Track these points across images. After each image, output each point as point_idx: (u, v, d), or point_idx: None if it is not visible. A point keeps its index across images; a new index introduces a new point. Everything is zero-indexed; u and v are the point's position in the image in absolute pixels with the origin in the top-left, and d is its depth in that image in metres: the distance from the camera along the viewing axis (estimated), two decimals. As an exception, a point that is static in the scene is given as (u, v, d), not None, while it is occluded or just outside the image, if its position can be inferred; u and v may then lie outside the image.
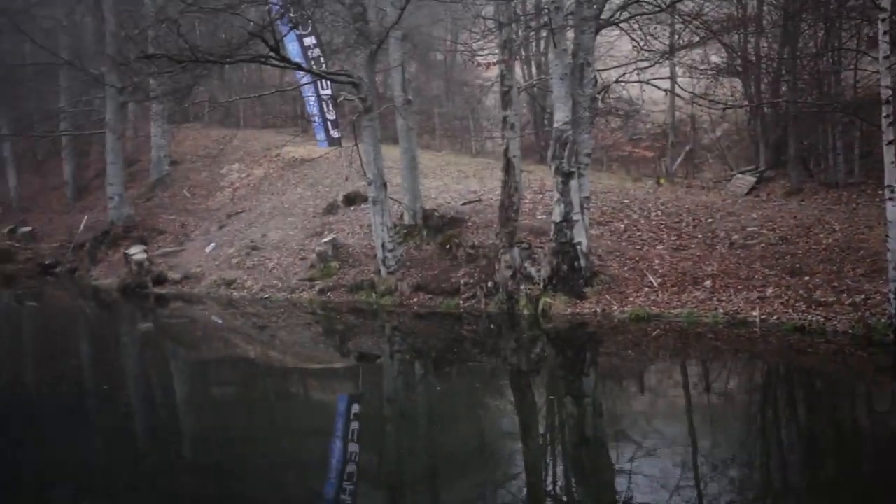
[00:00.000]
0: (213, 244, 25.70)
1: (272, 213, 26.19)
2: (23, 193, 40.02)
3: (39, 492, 9.20)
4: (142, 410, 12.78)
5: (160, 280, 24.32)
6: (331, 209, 24.76)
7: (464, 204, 22.65)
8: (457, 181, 25.40)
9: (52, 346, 18.87)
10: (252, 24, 18.13)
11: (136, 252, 25.46)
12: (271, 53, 16.47)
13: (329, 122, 29.17)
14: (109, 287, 25.53)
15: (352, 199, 24.80)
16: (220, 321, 20.66)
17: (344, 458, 10.15)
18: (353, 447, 10.66)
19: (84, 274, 28.16)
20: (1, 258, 32.54)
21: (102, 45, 31.37)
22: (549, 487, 9.23)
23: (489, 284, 18.03)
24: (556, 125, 17.17)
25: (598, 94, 21.12)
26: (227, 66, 26.25)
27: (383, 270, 20.07)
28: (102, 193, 33.12)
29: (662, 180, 26.05)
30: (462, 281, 18.69)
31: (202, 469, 10.00)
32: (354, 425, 11.69)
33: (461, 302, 18.23)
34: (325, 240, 22.45)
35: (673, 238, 18.84)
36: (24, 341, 20.08)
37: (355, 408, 12.72)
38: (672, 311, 15.74)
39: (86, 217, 32.83)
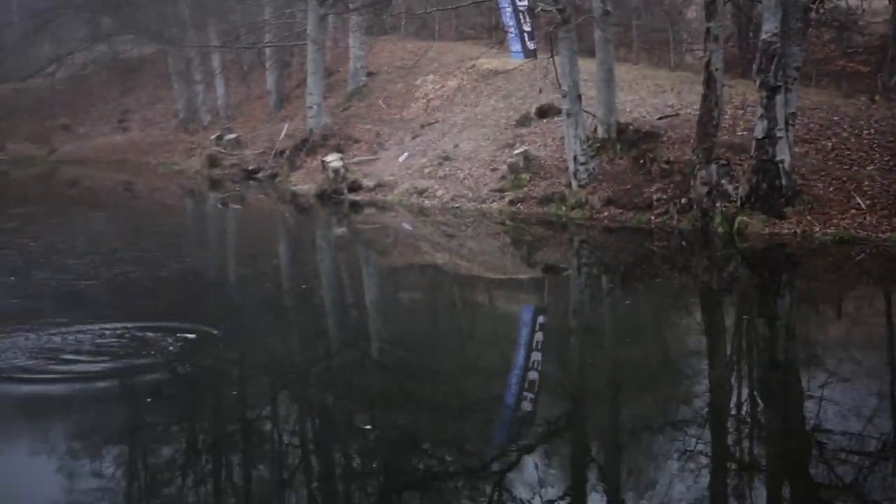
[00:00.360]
0: (406, 154, 26.06)
1: (465, 124, 26.21)
2: (229, 102, 41.85)
3: (239, 383, 9.65)
4: (334, 310, 13.18)
5: (355, 187, 24.96)
6: (523, 121, 24.52)
7: (660, 118, 21.91)
8: (653, 95, 24.55)
9: (254, 246, 19.75)
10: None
11: (333, 160, 26.16)
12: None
13: (525, 34, 28.67)
14: (307, 192, 26.46)
15: (545, 112, 24.46)
16: (410, 228, 21.03)
17: (526, 366, 10.14)
18: (536, 356, 10.63)
19: (284, 179, 29.30)
20: (209, 163, 34.37)
21: (307, -43, 32.01)
22: (734, 409, 8.89)
23: (683, 201, 17.45)
24: (763, 37, 16.24)
25: (813, 3, 19.73)
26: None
27: (574, 183, 19.79)
28: (303, 103, 34.09)
29: (878, 98, 24.26)
30: (655, 196, 18.18)
31: (388, 369, 10.22)
32: (538, 335, 11.65)
33: (652, 217, 17.76)
34: (517, 152, 22.31)
35: (886, 158, 17.54)
36: (228, 242, 21.11)
37: (540, 318, 12.67)
38: (880, 235, 14.78)
39: (286, 125, 33.96)
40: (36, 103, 51.61)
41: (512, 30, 28.94)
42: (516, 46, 29.21)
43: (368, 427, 8.22)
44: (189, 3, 41.74)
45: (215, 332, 10.80)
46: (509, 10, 28.32)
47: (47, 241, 18.90)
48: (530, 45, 28.59)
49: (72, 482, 6.98)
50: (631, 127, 21.04)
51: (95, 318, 11.73)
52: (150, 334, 10.47)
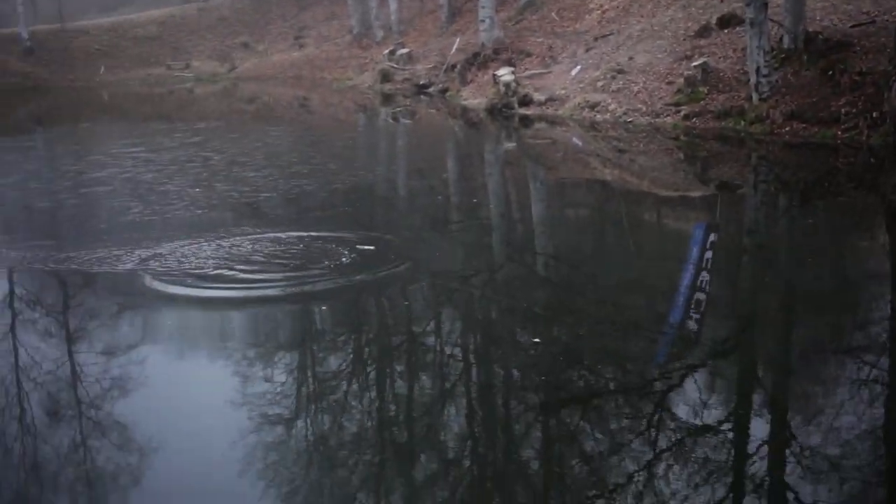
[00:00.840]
0: (578, 67, 25.37)
1: (640, 35, 25.20)
2: (402, 17, 41.87)
3: (407, 294, 9.61)
4: (501, 225, 12.96)
5: (525, 101, 24.57)
6: (703, 32, 23.31)
7: (853, 26, 20.29)
8: (846, 1, 22.82)
9: (424, 160, 19.77)
10: None
11: (504, 74, 25.79)
12: None
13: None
14: (477, 107, 26.25)
15: (726, 21, 23.14)
16: (580, 143, 20.51)
17: (693, 286, 9.66)
18: (705, 276, 10.11)
19: (454, 94, 29.18)
20: (381, 78, 34.61)
21: None
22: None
23: (874, 114, 16.14)
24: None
25: None
26: None
27: (755, 97, 18.74)
28: (474, 17, 33.70)
29: None
30: (843, 110, 16.93)
31: (553, 284, 9.98)
32: (708, 254, 11.07)
33: (839, 132, 16.57)
34: (695, 63, 21.28)
35: None
36: (399, 156, 21.21)
37: (711, 236, 12.04)
38: None
39: (458, 39, 33.73)
40: (218, 22, 53.38)
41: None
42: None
43: (531, 340, 8.03)
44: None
45: (387, 242, 10.97)
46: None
47: (228, 154, 19.58)
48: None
49: (245, 385, 7.14)
50: (820, 36, 19.60)
51: (274, 228, 12.04)
52: (329, 245, 10.60)
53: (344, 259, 10.02)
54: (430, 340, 8.28)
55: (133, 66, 49.93)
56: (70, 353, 7.92)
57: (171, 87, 44.15)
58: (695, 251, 11.26)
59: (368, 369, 7.61)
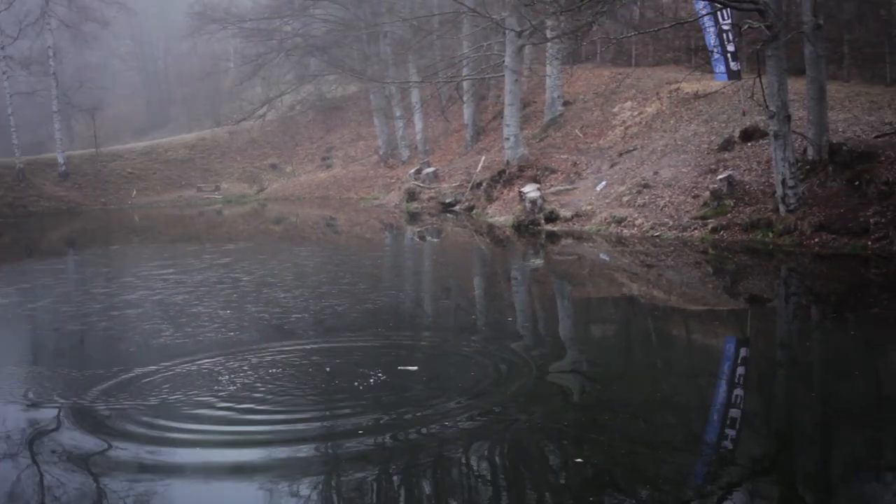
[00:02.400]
0: (603, 182, 25.56)
1: (664, 150, 25.46)
2: (427, 136, 42.64)
3: (441, 414, 9.46)
4: (530, 341, 12.81)
5: (551, 217, 24.72)
6: (726, 145, 23.54)
7: (876, 137, 20.47)
8: (868, 112, 23.04)
9: (451, 279, 19.75)
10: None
11: (530, 190, 26.04)
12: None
13: (729, 54, 27.57)
14: (503, 224, 26.43)
15: (749, 134, 23.41)
16: (607, 258, 20.48)
17: (727, 402, 9.46)
18: (738, 391, 9.91)
19: (480, 211, 29.42)
20: (407, 197, 35.02)
21: (504, -10, 32.24)
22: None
23: (904, 225, 16.11)
24: None
25: None
26: (624, 1, 25.79)
27: (782, 208, 18.75)
28: (499, 135, 34.25)
29: None
30: (872, 220, 16.92)
31: (582, 402, 9.77)
32: (741, 369, 10.88)
33: (869, 243, 16.51)
34: (720, 177, 21.42)
35: None
36: (426, 275, 21.20)
37: (742, 351, 11.86)
38: None
39: (483, 157, 34.19)
40: (247, 144, 54.57)
41: (716, 50, 27.93)
42: (720, 67, 28.12)
43: (564, 461, 7.82)
44: (390, 41, 42.92)
45: (421, 362, 10.98)
46: (713, 30, 27.28)
47: (258, 275, 19.64)
48: (734, 66, 27.47)
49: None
50: (844, 147, 19.73)
51: (306, 350, 12.05)
52: (363, 370, 10.54)
53: (380, 379, 9.91)
54: (461, 459, 8.07)
55: (164, 189, 50.91)
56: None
57: (201, 209, 44.85)
58: (727, 367, 11.07)
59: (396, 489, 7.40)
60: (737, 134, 23.82)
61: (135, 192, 50.13)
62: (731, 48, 27.36)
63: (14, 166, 49.65)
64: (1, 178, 48.97)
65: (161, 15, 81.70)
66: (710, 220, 20.60)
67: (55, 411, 9.66)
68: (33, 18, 51.49)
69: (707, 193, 21.40)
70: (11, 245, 33.69)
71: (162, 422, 8.98)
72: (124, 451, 8.29)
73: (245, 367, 10.94)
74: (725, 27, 26.86)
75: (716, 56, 27.85)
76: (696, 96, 28.62)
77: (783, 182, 18.75)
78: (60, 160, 50.86)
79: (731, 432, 8.52)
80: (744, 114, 24.55)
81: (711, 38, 27.80)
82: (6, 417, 9.60)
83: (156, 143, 58.12)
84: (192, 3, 58.39)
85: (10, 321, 15.89)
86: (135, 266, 23.45)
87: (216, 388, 10.12)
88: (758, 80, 18.33)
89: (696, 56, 33.69)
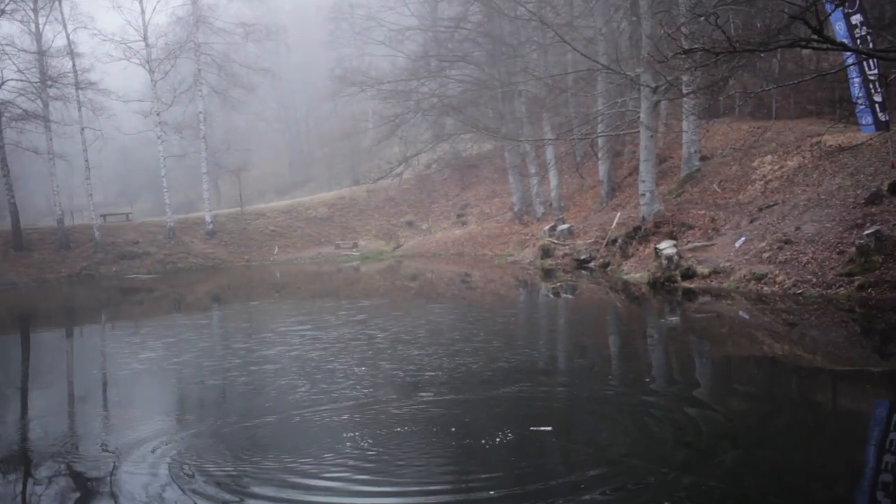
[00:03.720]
0: (742, 238, 24.92)
1: (807, 205, 24.64)
2: (562, 193, 42.58)
3: (570, 477, 9.33)
4: (668, 405, 12.47)
5: (688, 274, 24.22)
6: (873, 199, 22.58)
7: None
8: None
9: (586, 337, 19.51)
10: (793, 5, 17.03)
11: (666, 247, 25.60)
12: (814, 36, 15.16)
13: (876, 105, 26.59)
14: (639, 281, 26.04)
15: (898, 188, 22.42)
16: (747, 317, 19.85)
17: (878, 468, 8.96)
18: (890, 458, 9.38)
19: (615, 268, 29.08)
20: (542, 254, 34.98)
21: (638, 47, 32.23)
22: None
23: None
24: None
25: None
26: (763, 54, 25.26)
27: (934, 265, 17.81)
28: (634, 191, 33.93)
29: None
30: None
31: (723, 468, 9.41)
32: (893, 435, 10.31)
33: None
34: (867, 232, 20.55)
35: None
36: (560, 333, 21.02)
37: (895, 416, 11.25)
38: None
39: (618, 214, 33.89)
40: (385, 202, 55.71)
41: (861, 101, 27.02)
42: (867, 119, 27.16)
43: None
44: (525, 99, 43.28)
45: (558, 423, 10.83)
46: (858, 80, 26.44)
47: (392, 332, 19.87)
48: (882, 117, 26.51)
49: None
50: None
51: (441, 409, 12.13)
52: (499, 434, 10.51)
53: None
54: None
55: (304, 246, 52.41)
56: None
57: (339, 266, 45.87)
58: (877, 432, 10.52)
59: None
60: (885, 187, 22.83)
61: (276, 250, 51.76)
62: (878, 98, 26.43)
63: (165, 225, 52.17)
64: (153, 236, 51.47)
65: (304, 79, 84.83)
66: (856, 277, 19.75)
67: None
68: (186, 86, 54.35)
69: (853, 249, 20.55)
70: (161, 299, 35.20)
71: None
72: None
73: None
74: (872, 77, 25.98)
75: (861, 107, 26.94)
76: (841, 149, 27.66)
77: (936, 237, 17.89)
78: (208, 219, 53.13)
79: (883, 498, 8.09)
80: (893, 166, 23.59)
81: (856, 89, 26.92)
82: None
83: (297, 201, 60.05)
84: (332, 67, 60.46)
85: (157, 374, 16.56)
86: (273, 322, 24.11)
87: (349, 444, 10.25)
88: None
89: (840, 108, 32.65)
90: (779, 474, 8.92)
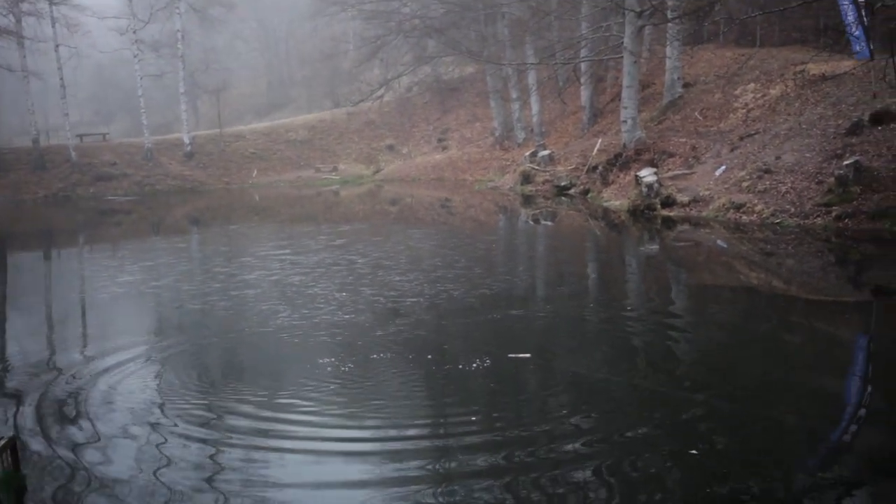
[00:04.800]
0: (723, 167, 24.95)
1: (788, 134, 24.63)
2: (543, 119, 42.32)
3: (548, 397, 9.46)
4: (640, 330, 12.63)
5: (668, 203, 24.30)
6: (854, 129, 22.59)
7: None
8: None
9: (566, 264, 19.62)
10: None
11: (647, 175, 25.60)
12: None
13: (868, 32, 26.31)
14: (619, 208, 26.10)
15: (880, 118, 22.42)
16: (725, 245, 19.98)
17: (859, 400, 9.15)
18: (859, 385, 9.57)
19: (595, 195, 29.10)
20: (522, 180, 34.91)
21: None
22: None
23: None
24: None
25: None
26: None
27: (912, 196, 17.94)
28: (616, 118, 33.78)
29: None
30: None
31: (696, 393, 9.54)
32: (866, 366, 10.48)
33: None
34: (847, 162, 20.62)
35: None
36: (540, 260, 21.10)
37: (870, 346, 11.41)
38: None
39: (599, 140, 33.78)
40: (365, 125, 55.27)
41: (851, 28, 26.78)
42: (858, 46, 27.01)
43: (686, 451, 7.72)
44: (508, 22, 42.72)
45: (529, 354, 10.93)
46: (849, 6, 26.14)
47: (372, 257, 19.88)
48: (868, 46, 26.40)
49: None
50: (983, 132, 18.72)
51: (421, 335, 12.25)
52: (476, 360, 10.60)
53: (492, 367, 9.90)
54: (569, 446, 7.99)
55: (284, 169, 52.04)
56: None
57: (319, 189, 45.67)
58: (851, 363, 10.70)
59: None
60: (866, 117, 22.84)
61: (255, 173, 51.40)
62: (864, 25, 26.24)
63: (143, 146, 51.57)
64: (131, 158, 50.94)
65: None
66: (834, 208, 19.88)
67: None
68: (163, 3, 53.20)
69: (832, 179, 20.63)
70: (139, 222, 35.05)
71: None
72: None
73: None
74: (863, 3, 25.68)
75: (855, 33, 26.64)
76: (824, 78, 27.54)
77: (915, 169, 17.98)
78: (186, 140, 52.55)
79: (853, 426, 8.27)
80: (874, 96, 23.55)
81: (849, 16, 26.62)
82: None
83: (277, 123, 59.43)
84: (314, -15, 59.28)
85: (135, 298, 16.52)
86: (253, 246, 24.05)
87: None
88: (890, 60, 17.52)
89: (825, 36, 32.47)
90: (751, 399, 9.08)
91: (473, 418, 8.74)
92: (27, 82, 49.30)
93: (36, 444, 8.40)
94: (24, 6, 48.84)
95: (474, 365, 10.35)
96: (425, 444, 8.27)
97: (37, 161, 48.96)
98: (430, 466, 7.69)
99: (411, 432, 8.60)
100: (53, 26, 49.72)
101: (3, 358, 12.15)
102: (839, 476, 7.18)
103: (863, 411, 8.77)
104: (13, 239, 31.05)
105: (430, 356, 10.92)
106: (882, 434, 8.21)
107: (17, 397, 9.96)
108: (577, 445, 7.91)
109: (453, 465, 7.68)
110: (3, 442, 6.28)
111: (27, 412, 9.40)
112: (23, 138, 55.54)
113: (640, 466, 7.44)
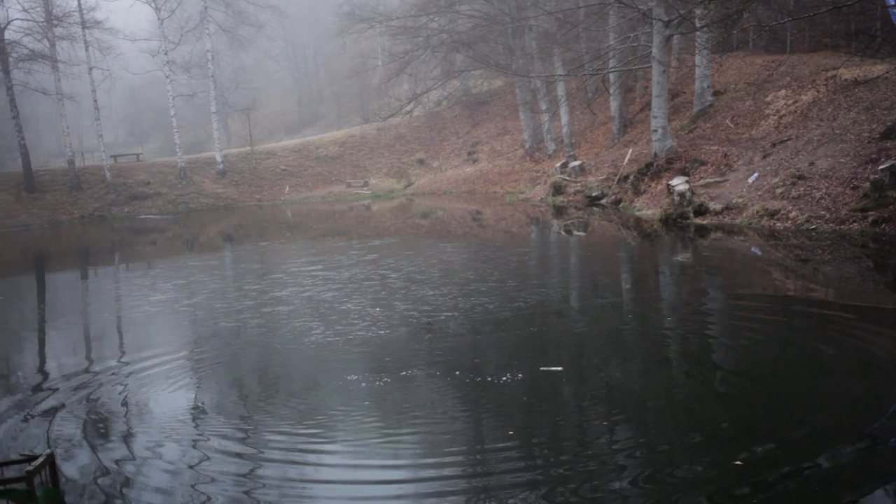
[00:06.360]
0: (755, 174, 24.75)
1: (821, 139, 24.41)
2: (573, 130, 42.30)
3: (582, 411, 9.41)
4: (675, 340, 12.56)
5: (701, 211, 24.13)
6: (889, 133, 22.37)
7: None
8: None
9: (600, 275, 19.50)
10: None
11: (678, 183, 25.46)
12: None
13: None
14: (651, 217, 25.95)
15: (914, 122, 22.18)
16: (759, 253, 19.79)
17: (885, 402, 9.00)
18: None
19: (627, 205, 28.97)
20: (553, 191, 34.83)
21: (650, -21, 31.61)
22: None
23: None
24: None
25: None
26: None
27: (950, 200, 17.68)
28: (646, 127, 33.65)
29: None
30: None
31: (732, 401, 9.47)
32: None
33: None
34: (882, 167, 20.39)
35: None
36: (575, 271, 20.99)
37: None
38: None
39: (630, 150, 33.66)
40: (395, 140, 55.48)
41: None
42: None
43: (732, 463, 7.60)
44: (535, 35, 42.76)
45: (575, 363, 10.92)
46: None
47: (405, 272, 19.86)
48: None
49: None
50: None
51: (461, 350, 12.22)
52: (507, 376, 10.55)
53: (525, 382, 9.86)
54: (604, 451, 7.93)
55: (315, 185, 52.33)
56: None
57: (350, 204, 45.85)
58: (887, 367, 10.52)
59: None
60: (901, 121, 22.64)
61: (287, 189, 51.73)
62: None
63: (176, 165, 52.13)
64: (164, 177, 51.50)
65: (312, 16, 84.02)
66: (870, 213, 19.65)
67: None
68: (193, 24, 53.86)
69: (867, 184, 20.41)
70: (173, 240, 35.32)
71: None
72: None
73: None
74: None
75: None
76: (856, 82, 27.31)
77: (952, 172, 17.74)
78: (218, 158, 53.05)
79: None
80: (908, 100, 23.35)
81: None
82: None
83: (307, 140, 59.83)
84: (340, 3, 59.73)
85: (167, 316, 16.61)
86: (285, 262, 24.14)
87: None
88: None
89: (856, 40, 32.19)
90: (790, 407, 8.96)
91: (511, 432, 8.70)
92: (62, 105, 50.03)
93: (76, 459, 8.48)
94: (58, 31, 49.62)
95: (506, 378, 10.31)
96: (461, 459, 8.23)
97: (73, 182, 49.60)
98: (466, 482, 7.64)
99: (447, 440, 8.59)
100: (87, 50, 50.45)
101: (41, 374, 12.27)
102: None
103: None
104: (50, 258, 31.45)
105: (465, 371, 10.89)
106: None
107: (52, 414, 10.05)
108: (613, 456, 7.85)
109: (491, 480, 7.63)
110: (41, 459, 6.32)
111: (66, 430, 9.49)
112: (59, 160, 56.43)
113: (677, 475, 7.36)
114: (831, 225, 20.19)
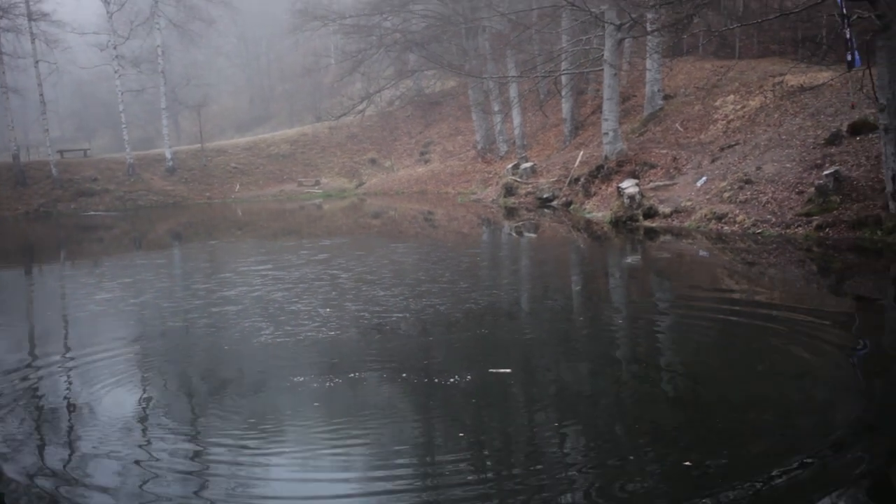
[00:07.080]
0: (704, 178, 25.07)
1: (768, 144, 24.80)
2: (525, 131, 42.49)
3: (530, 410, 9.45)
4: (626, 341, 12.68)
5: (650, 213, 24.39)
6: (833, 140, 22.79)
7: None
8: None
9: (550, 277, 19.61)
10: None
11: (628, 186, 25.70)
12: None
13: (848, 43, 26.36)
14: (601, 220, 26.16)
15: (858, 128, 22.62)
16: (707, 255, 20.06)
17: (847, 406, 9.16)
18: (831, 391, 9.59)
19: (578, 207, 29.16)
20: (504, 192, 34.99)
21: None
22: None
23: None
24: None
25: None
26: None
27: (892, 205, 18.14)
28: (597, 130, 33.92)
29: None
30: None
31: (677, 401, 9.58)
32: (841, 372, 10.50)
33: None
34: (826, 172, 20.77)
35: None
36: (526, 273, 21.07)
37: (845, 354, 11.43)
38: None
39: (581, 152, 33.92)
40: (347, 139, 55.33)
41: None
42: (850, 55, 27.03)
43: (681, 462, 7.68)
44: (489, 36, 42.90)
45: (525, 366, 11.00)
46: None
47: (356, 272, 19.78)
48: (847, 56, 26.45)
49: None
50: (960, 142, 18.86)
51: (410, 352, 12.16)
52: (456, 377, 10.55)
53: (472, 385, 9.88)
54: (552, 450, 7.97)
55: (266, 183, 51.98)
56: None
57: (302, 203, 45.63)
58: (828, 369, 10.70)
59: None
60: (845, 128, 23.05)
61: (238, 187, 51.33)
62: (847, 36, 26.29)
63: (125, 161, 51.45)
64: (112, 173, 50.82)
65: (264, 13, 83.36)
66: (814, 217, 20.01)
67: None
68: (143, 18, 53.16)
69: (812, 189, 20.78)
70: (121, 237, 34.90)
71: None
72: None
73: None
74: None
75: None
76: (802, 89, 27.78)
77: (893, 178, 18.08)
78: (168, 155, 52.48)
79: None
80: (853, 107, 23.75)
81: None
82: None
83: (258, 138, 59.41)
84: (294, 0, 59.38)
85: (113, 315, 16.34)
86: (234, 261, 23.95)
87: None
88: (867, 71, 17.70)
89: (803, 47, 32.76)
90: (729, 403, 9.09)
91: (461, 434, 8.71)
92: (7, 98, 49.09)
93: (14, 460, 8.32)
94: (3, 22, 48.69)
95: (454, 379, 10.32)
96: (411, 472, 8.16)
97: (17, 177, 48.75)
98: (416, 496, 7.56)
99: (396, 448, 8.55)
100: (33, 42, 49.58)
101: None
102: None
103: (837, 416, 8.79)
104: (-7, 256, 30.87)
105: (415, 372, 10.87)
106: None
107: (-3, 417, 9.87)
108: (566, 470, 7.89)
109: (441, 494, 7.58)
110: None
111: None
112: (3, 154, 55.33)
113: (628, 489, 7.41)
114: (777, 229, 20.51)
